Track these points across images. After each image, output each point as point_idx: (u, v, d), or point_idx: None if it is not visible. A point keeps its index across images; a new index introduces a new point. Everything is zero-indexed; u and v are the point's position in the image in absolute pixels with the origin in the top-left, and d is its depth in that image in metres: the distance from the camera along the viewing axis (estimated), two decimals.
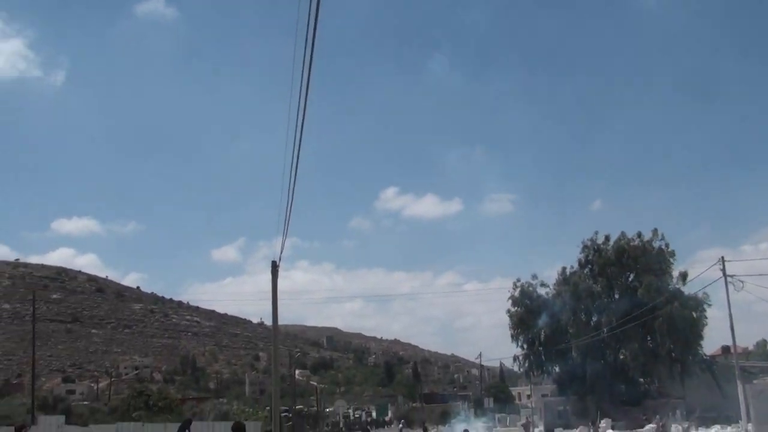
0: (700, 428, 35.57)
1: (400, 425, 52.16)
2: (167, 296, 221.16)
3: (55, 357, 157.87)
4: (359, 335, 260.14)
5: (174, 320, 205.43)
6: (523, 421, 56.99)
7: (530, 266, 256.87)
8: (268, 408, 39.00)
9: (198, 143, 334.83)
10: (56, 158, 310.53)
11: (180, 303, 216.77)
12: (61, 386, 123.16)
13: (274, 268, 24.39)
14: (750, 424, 29.24)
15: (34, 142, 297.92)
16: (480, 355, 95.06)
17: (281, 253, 23.69)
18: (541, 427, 59.36)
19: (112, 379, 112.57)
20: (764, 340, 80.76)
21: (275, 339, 24.65)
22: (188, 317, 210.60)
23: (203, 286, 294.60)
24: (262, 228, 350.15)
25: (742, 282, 40.11)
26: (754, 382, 39.74)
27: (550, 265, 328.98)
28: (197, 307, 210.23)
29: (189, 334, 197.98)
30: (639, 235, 59.94)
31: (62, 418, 36.53)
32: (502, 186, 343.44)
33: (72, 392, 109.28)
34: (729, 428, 32.25)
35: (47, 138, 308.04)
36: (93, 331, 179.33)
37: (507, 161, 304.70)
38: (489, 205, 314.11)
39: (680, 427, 36.86)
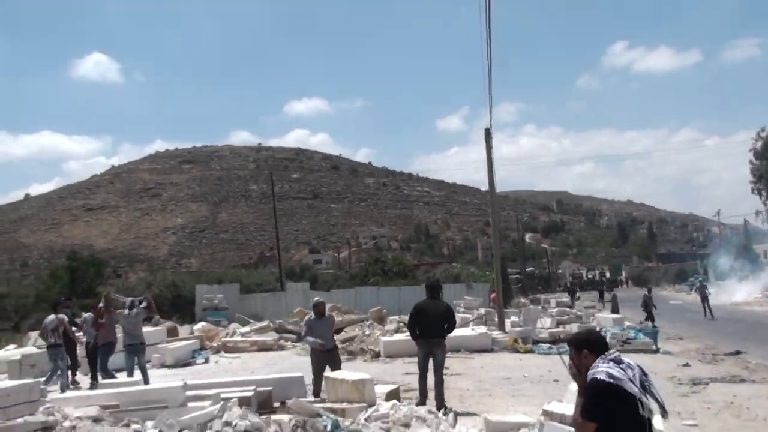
0: None
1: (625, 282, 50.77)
2: (397, 169, 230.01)
3: (301, 231, 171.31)
4: (590, 198, 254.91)
5: (405, 191, 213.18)
6: None
7: None
8: None
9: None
10: (279, 46, 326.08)
11: (410, 175, 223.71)
12: (308, 257, 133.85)
13: (488, 135, 24.53)
14: None
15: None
16: (718, 212, 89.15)
17: (490, 119, 23.59)
18: None
19: (352, 249, 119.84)
20: None
21: (492, 201, 24.66)
22: (419, 188, 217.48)
23: (430, 157, 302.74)
24: (485, 95, 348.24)
25: None
26: None
27: None
28: (426, 178, 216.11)
29: (420, 204, 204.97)
30: None
31: (307, 285, 39.47)
32: (746, 30, 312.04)
33: (318, 262, 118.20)
34: None
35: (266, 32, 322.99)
36: (332, 205, 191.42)
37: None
38: (730, 53, 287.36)
39: None
